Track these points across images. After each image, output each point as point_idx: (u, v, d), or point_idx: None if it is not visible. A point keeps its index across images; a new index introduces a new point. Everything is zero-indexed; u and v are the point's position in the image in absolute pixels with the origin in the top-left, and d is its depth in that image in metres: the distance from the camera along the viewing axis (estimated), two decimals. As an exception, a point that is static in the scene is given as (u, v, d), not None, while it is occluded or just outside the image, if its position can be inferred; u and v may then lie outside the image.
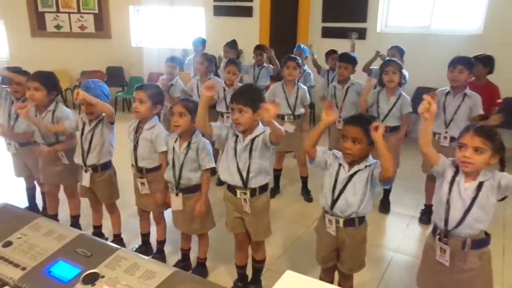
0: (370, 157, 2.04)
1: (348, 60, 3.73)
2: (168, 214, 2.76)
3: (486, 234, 1.84)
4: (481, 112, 3.06)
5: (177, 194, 2.44)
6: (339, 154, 2.07)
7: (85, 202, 2.96)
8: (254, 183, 2.22)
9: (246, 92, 2.23)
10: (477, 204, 1.76)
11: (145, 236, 2.91)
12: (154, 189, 2.62)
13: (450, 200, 1.81)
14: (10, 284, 1.20)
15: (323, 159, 2.10)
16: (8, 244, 1.33)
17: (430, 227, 2.01)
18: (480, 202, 1.76)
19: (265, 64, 4.81)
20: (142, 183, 2.61)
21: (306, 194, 3.82)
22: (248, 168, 2.20)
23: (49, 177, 3.00)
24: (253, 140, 2.20)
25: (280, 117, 3.62)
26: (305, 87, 3.73)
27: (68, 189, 3.07)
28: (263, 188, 2.29)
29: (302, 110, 3.68)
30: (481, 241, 1.83)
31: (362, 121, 1.99)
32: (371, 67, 4.33)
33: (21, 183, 3.43)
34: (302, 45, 5.13)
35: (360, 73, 4.25)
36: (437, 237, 1.88)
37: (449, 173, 1.85)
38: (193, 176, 2.41)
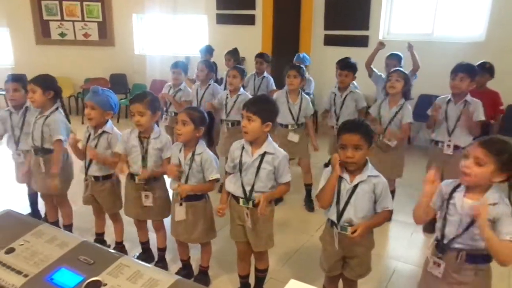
0: (370, 165, 2.00)
1: (349, 67, 3.74)
2: (166, 222, 2.75)
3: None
4: (482, 117, 3.02)
5: (181, 204, 2.39)
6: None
7: (88, 209, 2.95)
8: (258, 197, 2.17)
9: (259, 102, 2.21)
10: (476, 225, 1.63)
11: (145, 244, 2.89)
12: (157, 200, 2.59)
13: (447, 214, 1.74)
14: (12, 291, 1.19)
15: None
16: (10, 250, 1.33)
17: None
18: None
19: (265, 75, 4.73)
20: (146, 196, 2.57)
21: (308, 204, 3.78)
22: (253, 186, 2.18)
23: (38, 184, 3.00)
24: (262, 155, 2.17)
25: (284, 126, 3.60)
26: (308, 98, 3.71)
27: (56, 198, 3.05)
28: None
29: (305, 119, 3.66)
30: (479, 257, 1.71)
31: (358, 126, 1.96)
32: (379, 73, 4.34)
33: (24, 189, 3.42)
34: (301, 54, 5.12)
35: (363, 76, 4.27)
36: (432, 249, 1.82)
37: (447, 191, 1.77)
38: None
